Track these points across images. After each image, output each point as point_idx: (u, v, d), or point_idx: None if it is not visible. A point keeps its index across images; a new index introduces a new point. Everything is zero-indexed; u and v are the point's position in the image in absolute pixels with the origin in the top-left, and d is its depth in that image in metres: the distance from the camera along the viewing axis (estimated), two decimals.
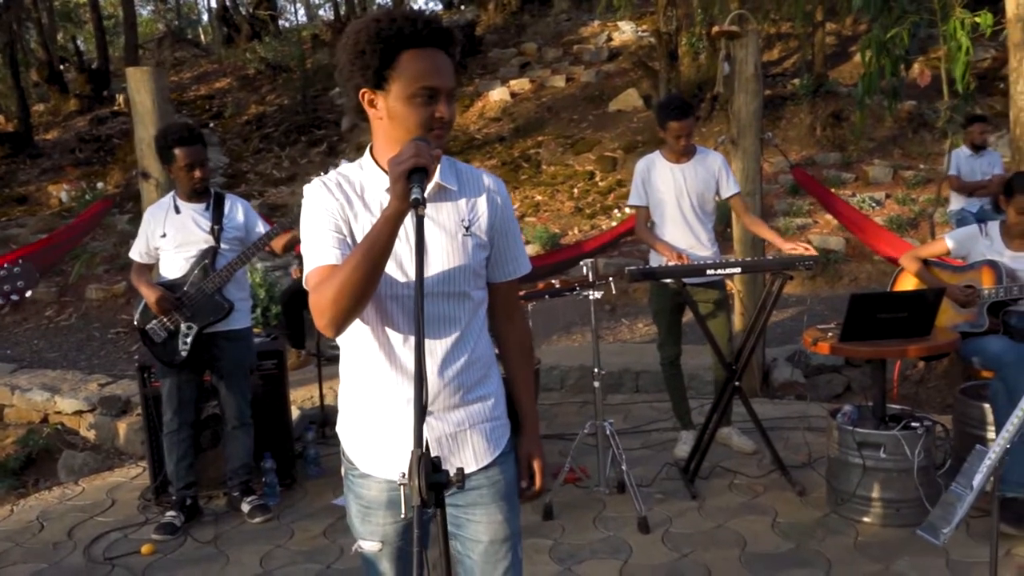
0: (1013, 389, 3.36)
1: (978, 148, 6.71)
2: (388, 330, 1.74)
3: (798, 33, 13.33)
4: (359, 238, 1.70)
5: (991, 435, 3.63)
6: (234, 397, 3.93)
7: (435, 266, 1.73)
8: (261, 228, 3.95)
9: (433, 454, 1.66)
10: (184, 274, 3.80)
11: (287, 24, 23.88)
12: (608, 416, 3.92)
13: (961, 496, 1.71)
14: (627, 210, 9.72)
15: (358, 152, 11.24)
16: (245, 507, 3.94)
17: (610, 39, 15.10)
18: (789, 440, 4.52)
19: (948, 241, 3.92)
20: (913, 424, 3.57)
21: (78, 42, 18.24)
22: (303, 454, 4.52)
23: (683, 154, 4.22)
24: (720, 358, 4.11)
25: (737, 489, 4.01)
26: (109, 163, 12.32)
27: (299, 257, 5.73)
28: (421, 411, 1.44)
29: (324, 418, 4.94)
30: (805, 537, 3.49)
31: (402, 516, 1.58)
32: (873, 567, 3.22)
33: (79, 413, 5.54)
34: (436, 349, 1.74)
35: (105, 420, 5.41)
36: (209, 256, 3.80)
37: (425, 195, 1.52)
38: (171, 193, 3.95)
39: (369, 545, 1.86)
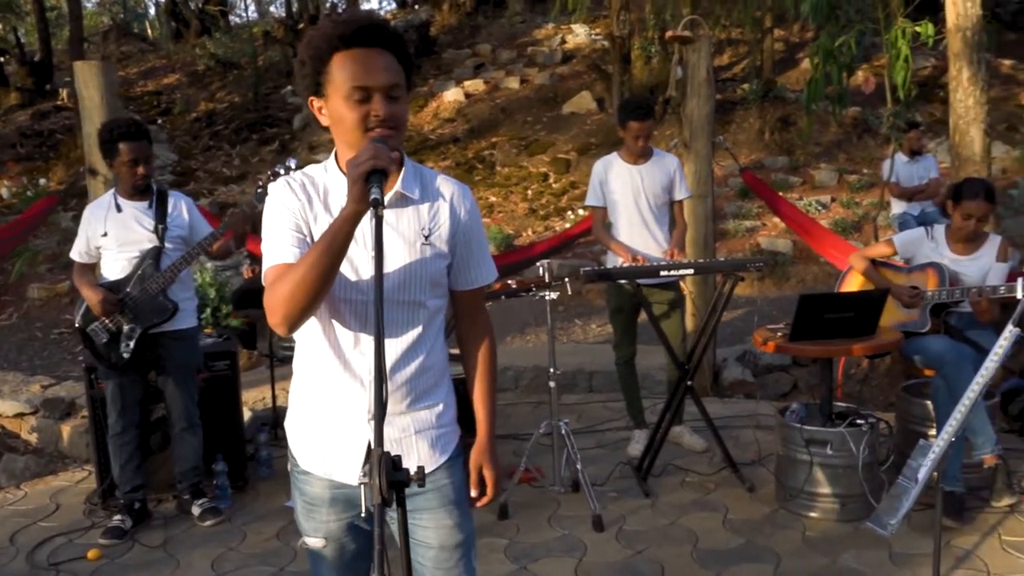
0: (954, 387, 3.48)
1: (915, 154, 6.94)
2: (339, 332, 1.74)
3: (747, 39, 13.60)
4: (316, 238, 1.69)
5: (932, 432, 3.76)
6: (180, 398, 3.85)
7: (391, 273, 1.72)
8: (205, 228, 3.88)
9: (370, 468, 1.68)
10: (127, 274, 3.71)
11: (238, 20, 23.49)
12: (562, 416, 3.95)
13: (907, 489, 1.77)
14: (580, 212, 9.81)
15: (310, 151, 11.13)
16: (196, 510, 3.87)
17: (564, 42, 15.21)
18: (739, 438, 4.61)
19: (895, 243, 4.04)
20: (858, 421, 3.68)
21: (19, 34, 17.66)
22: (255, 456, 4.47)
23: (640, 155, 4.27)
24: (673, 358, 4.18)
25: (689, 486, 4.07)
26: (52, 159, 11.98)
27: (250, 256, 5.65)
28: (381, 410, 1.44)
29: (276, 419, 4.88)
30: (755, 533, 3.57)
31: (362, 514, 1.58)
32: (821, 560, 3.31)
33: (20, 416, 5.38)
34: (387, 355, 1.72)
35: (48, 423, 5.26)
36: (153, 256, 3.71)
37: (385, 201, 1.52)
38: (111, 191, 3.85)
39: (313, 541, 1.86)
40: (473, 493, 1.90)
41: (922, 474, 1.72)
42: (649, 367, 5.37)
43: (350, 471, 1.75)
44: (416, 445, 1.79)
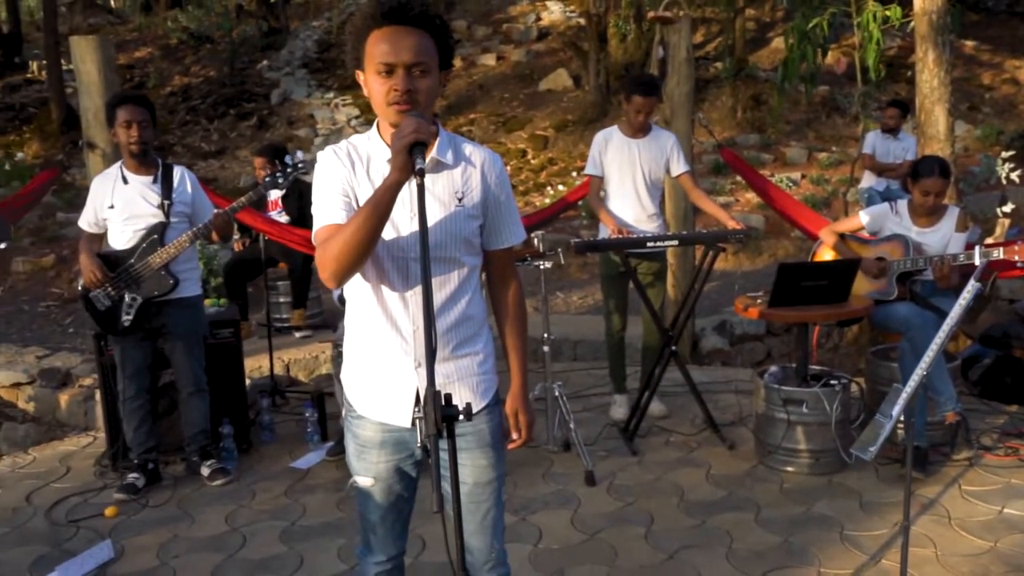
0: (919, 349, 3.75)
1: (890, 131, 7.17)
2: (385, 289, 1.92)
3: (720, 18, 13.82)
4: (363, 203, 1.84)
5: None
6: (188, 364, 3.98)
7: (430, 233, 1.86)
8: (207, 204, 4.01)
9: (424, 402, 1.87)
10: (132, 246, 3.84)
11: None
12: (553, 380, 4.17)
13: (883, 424, 2.01)
14: (560, 187, 10.01)
15: (289, 126, 11.15)
16: (205, 471, 4.03)
17: (539, 19, 15.32)
18: (718, 402, 4.87)
19: (863, 217, 4.29)
20: (832, 382, 3.94)
21: None
22: (257, 421, 4.63)
23: (640, 129, 4.44)
24: (658, 324, 4.40)
25: (673, 446, 4.32)
26: (25, 132, 11.86)
27: (244, 228, 5.79)
28: (432, 354, 1.62)
29: (275, 387, 5.04)
30: (736, 485, 3.83)
31: (417, 444, 1.75)
32: (797, 509, 3.58)
33: (17, 385, 5.48)
34: None
35: (46, 392, 5.37)
36: (158, 231, 3.84)
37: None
38: (118, 163, 3.97)
39: (363, 480, 2.03)
40: (513, 436, 2.09)
41: (895, 410, 1.96)
42: (631, 336, 5.60)
43: (401, 414, 1.94)
44: (459, 390, 1.97)
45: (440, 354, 1.93)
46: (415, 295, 1.91)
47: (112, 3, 23.29)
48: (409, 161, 1.69)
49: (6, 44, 14.95)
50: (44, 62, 13.07)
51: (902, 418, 2.12)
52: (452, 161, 1.95)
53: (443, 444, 1.94)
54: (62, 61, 11.56)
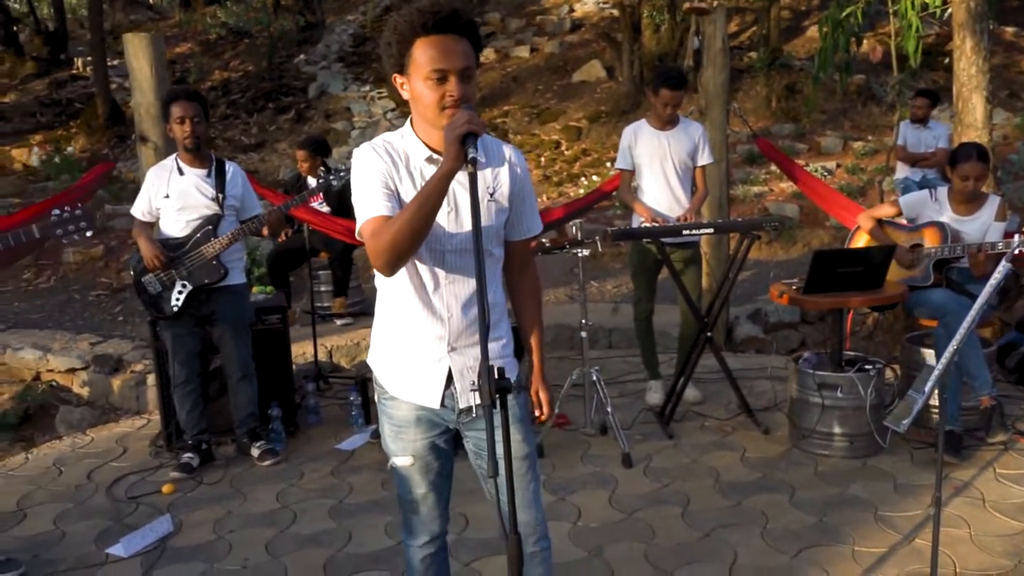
0: (954, 334, 3.77)
1: (918, 121, 7.13)
2: (421, 278, 2.02)
3: (754, 7, 13.75)
4: (403, 198, 1.96)
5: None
6: (236, 349, 4.14)
7: (464, 226, 1.99)
8: (254, 200, 4.19)
9: (456, 383, 2.01)
10: (187, 235, 4.01)
11: None
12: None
13: (916, 399, 2.09)
14: (595, 178, 10.08)
15: (326, 119, 11.35)
16: (255, 451, 4.20)
17: (572, 10, 15.35)
18: (753, 388, 4.94)
19: (900, 203, 4.33)
20: (866, 367, 3.99)
21: (32, 3, 17.79)
22: (303, 404, 4.79)
23: (668, 122, 4.52)
24: (693, 310, 4.47)
25: (708, 430, 4.40)
26: (72, 127, 12.22)
27: (287, 219, 5.98)
28: (485, 331, 1.71)
29: (318, 372, 5.20)
30: (771, 468, 3.90)
31: (464, 420, 1.84)
32: (831, 491, 3.64)
33: (72, 371, 5.72)
34: (461, 295, 2.03)
35: (99, 377, 5.60)
36: (214, 222, 4.01)
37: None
38: (173, 155, 4.14)
39: (401, 460, 2.14)
40: (537, 413, 2.21)
41: (927, 386, 2.03)
42: (666, 324, 5.69)
43: (433, 395, 2.05)
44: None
45: (470, 339, 2.04)
46: (451, 284, 2.02)
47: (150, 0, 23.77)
48: (462, 151, 1.77)
49: (52, 41, 15.37)
50: (89, 58, 13.42)
51: (936, 402, 2.18)
52: (484, 159, 2.03)
53: (477, 426, 2.07)
54: (107, 57, 11.89)
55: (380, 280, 2.09)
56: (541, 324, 2.25)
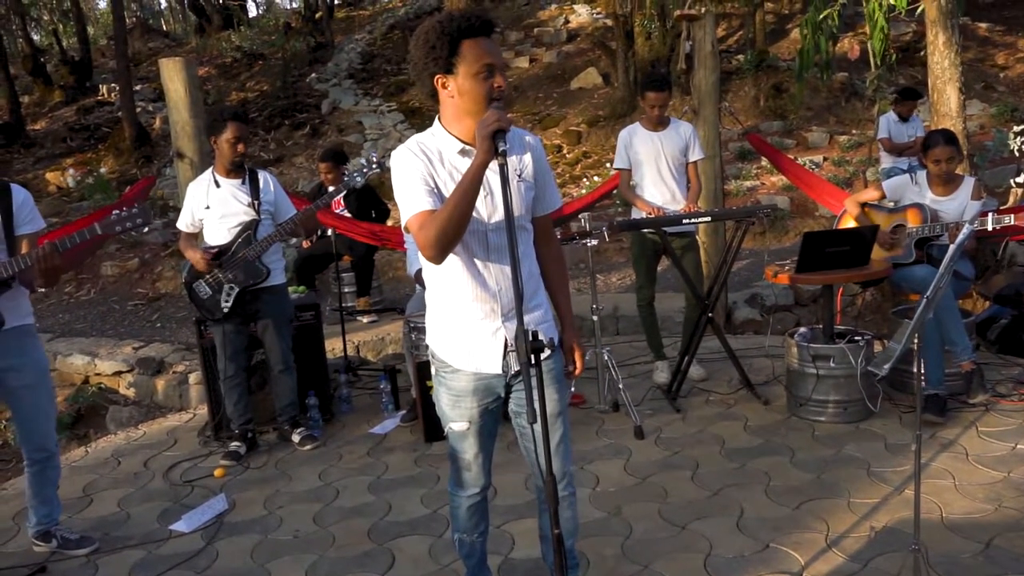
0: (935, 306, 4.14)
1: (903, 118, 7.54)
2: (469, 259, 2.30)
3: (740, 12, 14.15)
4: (442, 190, 2.23)
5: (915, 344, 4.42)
6: (278, 344, 4.47)
7: (500, 207, 2.27)
8: (287, 203, 4.52)
9: (510, 348, 2.28)
10: (229, 241, 4.35)
11: (250, 14, 24.11)
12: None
13: (895, 348, 2.43)
14: (596, 179, 10.46)
15: (340, 132, 11.74)
16: (296, 437, 4.55)
17: (567, 21, 15.78)
18: (752, 365, 5.28)
19: (884, 187, 4.68)
20: (856, 338, 4.34)
21: (58, 34, 18.38)
22: (336, 395, 5.15)
23: (658, 123, 4.90)
24: (694, 292, 4.82)
25: (712, 404, 4.74)
26: (101, 150, 12.70)
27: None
28: (519, 299, 2.00)
29: (348, 365, 5.56)
30: (771, 434, 4.24)
31: (506, 380, 2.14)
32: (827, 452, 3.97)
33: (118, 373, 6.08)
34: (505, 269, 2.30)
35: (144, 378, 5.95)
36: (252, 227, 4.35)
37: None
38: (209, 170, 4.49)
39: (458, 426, 2.43)
40: (570, 368, 2.50)
41: (905, 336, 2.36)
42: (668, 309, 6.05)
43: (493, 362, 2.32)
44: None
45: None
46: (496, 260, 2.29)
47: (164, 27, 24.30)
48: (493, 145, 2.08)
49: (78, 70, 15.87)
50: (114, 85, 13.87)
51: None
52: (511, 147, 2.32)
53: (521, 386, 2.33)
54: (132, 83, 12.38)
55: (430, 271, 2.33)
56: (568, 286, 2.53)
